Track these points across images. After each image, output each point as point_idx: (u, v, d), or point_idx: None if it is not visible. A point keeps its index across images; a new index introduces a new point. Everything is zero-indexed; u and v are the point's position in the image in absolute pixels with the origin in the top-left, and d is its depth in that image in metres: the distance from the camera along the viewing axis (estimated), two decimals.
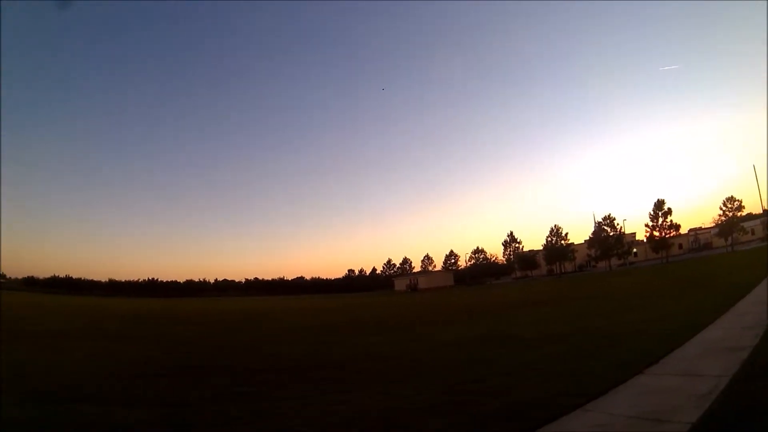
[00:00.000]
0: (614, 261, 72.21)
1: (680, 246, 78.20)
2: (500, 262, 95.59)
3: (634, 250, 77.90)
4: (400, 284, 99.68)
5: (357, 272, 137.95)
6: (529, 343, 11.37)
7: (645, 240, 72.90)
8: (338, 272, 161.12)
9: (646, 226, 67.88)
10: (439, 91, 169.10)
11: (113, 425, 5.78)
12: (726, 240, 65.61)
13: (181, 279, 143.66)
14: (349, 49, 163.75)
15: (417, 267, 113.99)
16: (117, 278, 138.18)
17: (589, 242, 76.62)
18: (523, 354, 9.92)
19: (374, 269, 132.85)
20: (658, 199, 65.86)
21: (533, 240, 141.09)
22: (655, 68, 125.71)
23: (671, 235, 65.83)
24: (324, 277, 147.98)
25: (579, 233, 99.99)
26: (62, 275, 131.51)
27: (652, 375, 6.72)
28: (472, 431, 4.99)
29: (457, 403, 6.20)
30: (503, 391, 6.58)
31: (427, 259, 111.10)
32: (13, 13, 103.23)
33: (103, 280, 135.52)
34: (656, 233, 65.96)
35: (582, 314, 17.01)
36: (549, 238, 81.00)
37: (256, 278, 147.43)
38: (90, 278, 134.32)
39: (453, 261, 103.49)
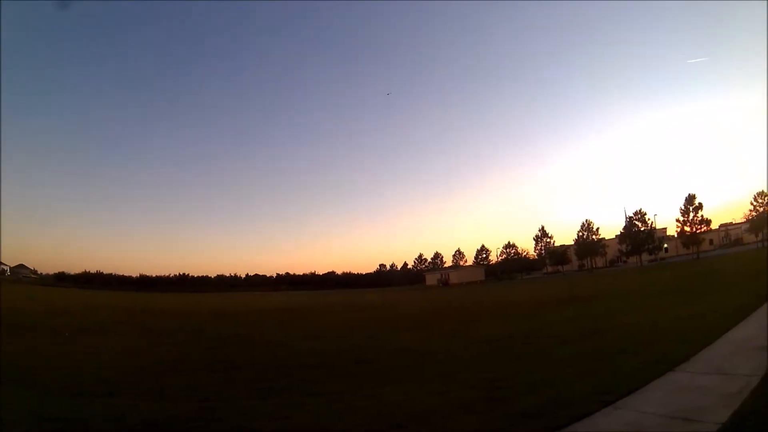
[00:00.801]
0: (645, 256, 70.43)
1: (711, 242, 76.47)
2: (531, 257, 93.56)
3: (665, 245, 75.65)
4: (431, 279, 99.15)
5: (388, 267, 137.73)
6: (562, 340, 11.37)
7: (676, 235, 71.09)
8: (369, 267, 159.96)
9: (677, 221, 66.08)
10: (463, 82, 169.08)
11: (145, 419, 5.86)
12: (757, 236, 63.73)
13: (212, 274, 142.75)
14: (367, 43, 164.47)
15: (448, 262, 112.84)
16: (148, 273, 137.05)
17: (620, 237, 74.44)
18: (555, 351, 9.94)
19: (405, 264, 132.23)
20: (689, 194, 63.97)
21: (564, 235, 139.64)
22: (684, 58, 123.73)
23: (702, 230, 64.00)
24: (355, 271, 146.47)
25: (610, 229, 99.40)
26: (93, 271, 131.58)
27: (682, 372, 6.71)
28: (504, 429, 4.99)
29: (489, 400, 6.21)
30: (535, 389, 6.64)
31: (459, 254, 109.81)
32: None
33: (134, 275, 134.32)
34: (687, 228, 64.20)
35: (615, 310, 16.85)
36: (580, 233, 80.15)
37: (287, 273, 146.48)
38: (121, 273, 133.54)
39: (484, 256, 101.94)
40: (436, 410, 5.85)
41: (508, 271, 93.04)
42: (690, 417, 4.75)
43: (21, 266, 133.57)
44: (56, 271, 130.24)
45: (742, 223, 71.87)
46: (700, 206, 62.82)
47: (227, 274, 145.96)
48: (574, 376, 7.20)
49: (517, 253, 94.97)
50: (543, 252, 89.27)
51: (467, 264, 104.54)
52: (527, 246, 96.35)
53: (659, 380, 6.37)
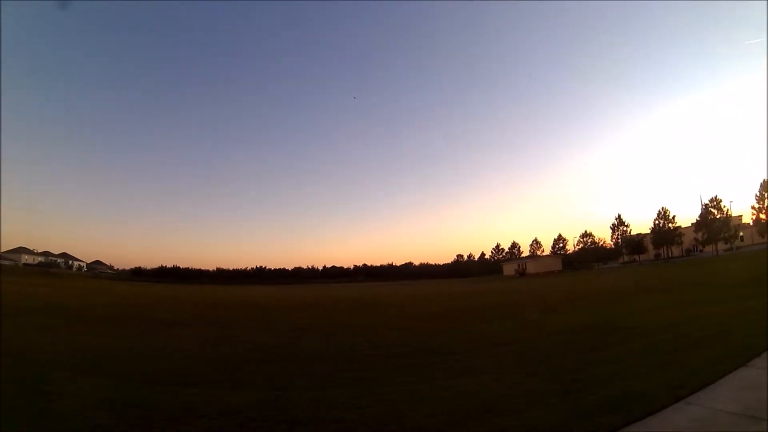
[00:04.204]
0: (720, 245, 67.11)
1: None
2: (608, 246, 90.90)
3: (740, 234, 71.22)
4: (509, 269, 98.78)
5: (465, 257, 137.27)
6: (637, 332, 11.23)
7: (751, 223, 68.09)
8: (447, 257, 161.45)
9: (752, 208, 63.52)
10: (536, 69, 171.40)
11: (219, 407, 5.95)
12: None
13: (290, 266, 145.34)
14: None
15: (525, 251, 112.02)
16: (225, 267, 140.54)
17: (696, 225, 71.36)
18: (629, 343, 9.84)
19: (483, 254, 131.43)
20: (765, 179, 60.48)
21: (641, 223, 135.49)
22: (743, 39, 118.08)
23: None
24: (432, 262, 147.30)
25: (686, 218, 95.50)
26: (169, 265, 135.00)
27: (755, 368, 6.56)
28: (574, 422, 4.97)
29: (563, 392, 6.18)
30: (608, 381, 6.61)
31: (536, 244, 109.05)
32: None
33: (210, 269, 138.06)
34: (763, 216, 61.47)
35: (691, 302, 16.44)
36: (656, 221, 77.61)
37: (364, 264, 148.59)
38: (197, 268, 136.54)
39: (561, 245, 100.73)
40: (510, 402, 5.84)
41: (584, 260, 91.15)
42: (759, 416, 4.67)
43: (97, 262, 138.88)
44: (133, 267, 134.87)
45: None
46: None
47: (304, 267, 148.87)
48: (648, 369, 7.17)
49: (594, 242, 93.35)
50: (620, 241, 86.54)
51: (544, 254, 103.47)
52: (604, 235, 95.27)
53: (731, 375, 6.28)
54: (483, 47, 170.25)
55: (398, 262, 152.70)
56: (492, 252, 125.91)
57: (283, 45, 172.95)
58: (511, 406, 5.70)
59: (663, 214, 78.23)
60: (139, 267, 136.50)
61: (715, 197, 69.75)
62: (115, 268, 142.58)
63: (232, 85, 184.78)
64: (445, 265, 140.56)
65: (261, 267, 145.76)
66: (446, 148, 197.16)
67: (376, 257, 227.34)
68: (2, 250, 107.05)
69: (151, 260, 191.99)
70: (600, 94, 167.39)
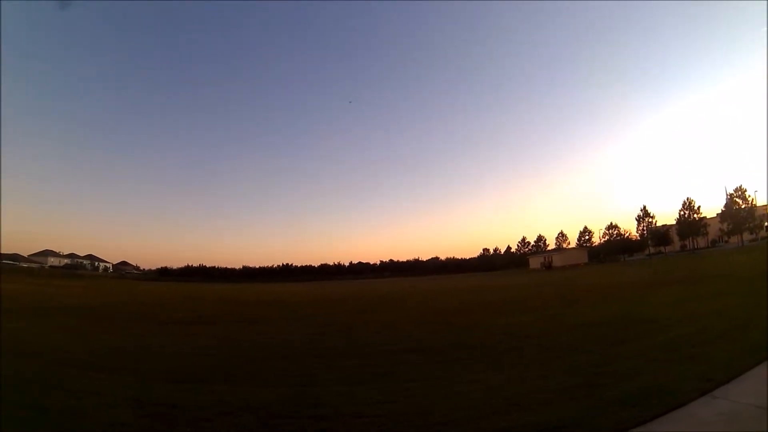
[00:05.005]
0: (746, 236, 66.37)
1: None
2: (634, 237, 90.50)
3: (766, 224, 69.78)
4: (535, 262, 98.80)
5: (492, 251, 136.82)
6: (662, 324, 11.18)
7: None
8: (473, 252, 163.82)
9: None
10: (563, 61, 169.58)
11: (243, 403, 5.97)
12: None
13: (316, 263, 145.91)
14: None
15: (551, 244, 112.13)
16: (251, 265, 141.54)
17: (721, 216, 70.30)
18: (655, 335, 9.79)
19: (509, 248, 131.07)
20: None
21: (667, 214, 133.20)
22: None
23: None
24: (458, 256, 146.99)
25: (711, 208, 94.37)
26: (195, 265, 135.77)
27: None
28: (601, 417, 4.97)
29: (588, 385, 6.21)
30: (632, 375, 6.64)
31: (561, 236, 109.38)
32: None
33: (236, 267, 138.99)
34: None
35: (715, 294, 16.34)
36: (681, 212, 76.82)
37: (390, 260, 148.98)
38: (224, 266, 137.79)
39: (587, 237, 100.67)
40: (536, 396, 5.84)
41: (610, 252, 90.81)
42: None
43: (123, 263, 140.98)
44: (159, 267, 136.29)
45: None
46: None
47: (331, 263, 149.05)
48: (673, 363, 7.17)
49: (619, 234, 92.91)
50: (645, 232, 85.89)
51: (570, 246, 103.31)
52: (629, 227, 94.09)
53: (757, 368, 6.25)
54: (536, 35, 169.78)
55: (424, 257, 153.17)
56: (518, 245, 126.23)
57: (322, 34, 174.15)
58: (536, 400, 5.73)
59: (688, 205, 77.65)
60: (165, 267, 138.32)
61: (740, 187, 69.17)
62: (141, 268, 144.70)
63: (252, 80, 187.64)
64: (472, 259, 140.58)
65: (287, 264, 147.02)
66: (472, 142, 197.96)
67: (403, 252, 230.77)
68: (29, 254, 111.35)
69: (177, 260, 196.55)
70: (625, 85, 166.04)
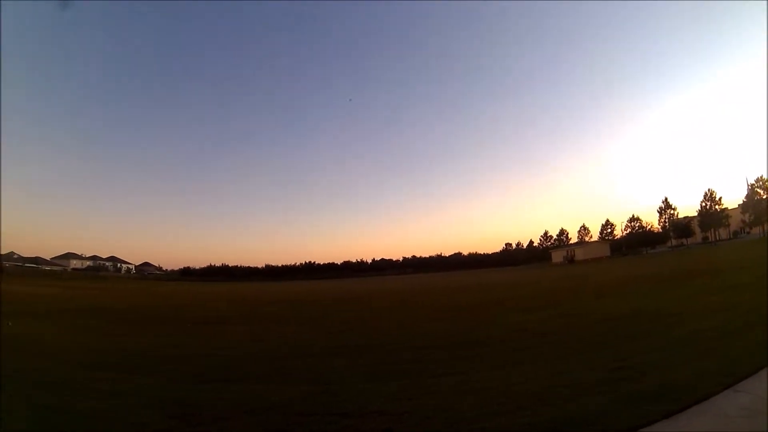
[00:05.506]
0: None
1: None
2: (656, 230, 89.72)
3: None
4: (557, 256, 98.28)
5: (514, 246, 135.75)
6: (682, 317, 11.16)
7: None
8: (495, 246, 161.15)
9: None
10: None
11: (264, 402, 6.00)
12: None
13: (339, 261, 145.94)
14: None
15: (573, 238, 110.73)
16: (274, 263, 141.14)
17: (743, 206, 68.79)
18: (675, 329, 9.74)
19: (531, 242, 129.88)
20: None
21: (688, 206, 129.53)
22: None
23: None
24: (481, 252, 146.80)
25: (733, 199, 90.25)
26: (218, 264, 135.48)
27: None
28: (623, 411, 4.97)
29: (608, 381, 6.18)
30: (654, 370, 6.59)
31: (584, 230, 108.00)
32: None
33: (259, 266, 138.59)
34: None
35: (736, 286, 16.13)
36: (703, 203, 75.43)
37: (413, 256, 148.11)
38: (246, 265, 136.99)
39: (609, 230, 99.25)
40: (557, 392, 5.83)
41: (633, 245, 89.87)
42: None
43: (146, 264, 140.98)
44: (181, 267, 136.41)
45: None
46: None
47: (353, 260, 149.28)
48: (694, 356, 7.15)
49: (641, 227, 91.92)
50: (667, 225, 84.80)
51: (592, 240, 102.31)
52: (651, 219, 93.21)
53: None
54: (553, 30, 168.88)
55: (447, 253, 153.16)
56: (540, 239, 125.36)
57: (320, 32, 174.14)
58: (559, 395, 5.71)
59: (709, 196, 76.36)
60: (188, 267, 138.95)
61: (761, 177, 67.83)
62: (164, 269, 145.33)
63: (273, 78, 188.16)
64: (494, 254, 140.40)
65: (310, 262, 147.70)
66: (493, 136, 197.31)
67: (425, 248, 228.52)
68: (51, 257, 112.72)
69: (199, 260, 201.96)
70: (647, 74, 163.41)
